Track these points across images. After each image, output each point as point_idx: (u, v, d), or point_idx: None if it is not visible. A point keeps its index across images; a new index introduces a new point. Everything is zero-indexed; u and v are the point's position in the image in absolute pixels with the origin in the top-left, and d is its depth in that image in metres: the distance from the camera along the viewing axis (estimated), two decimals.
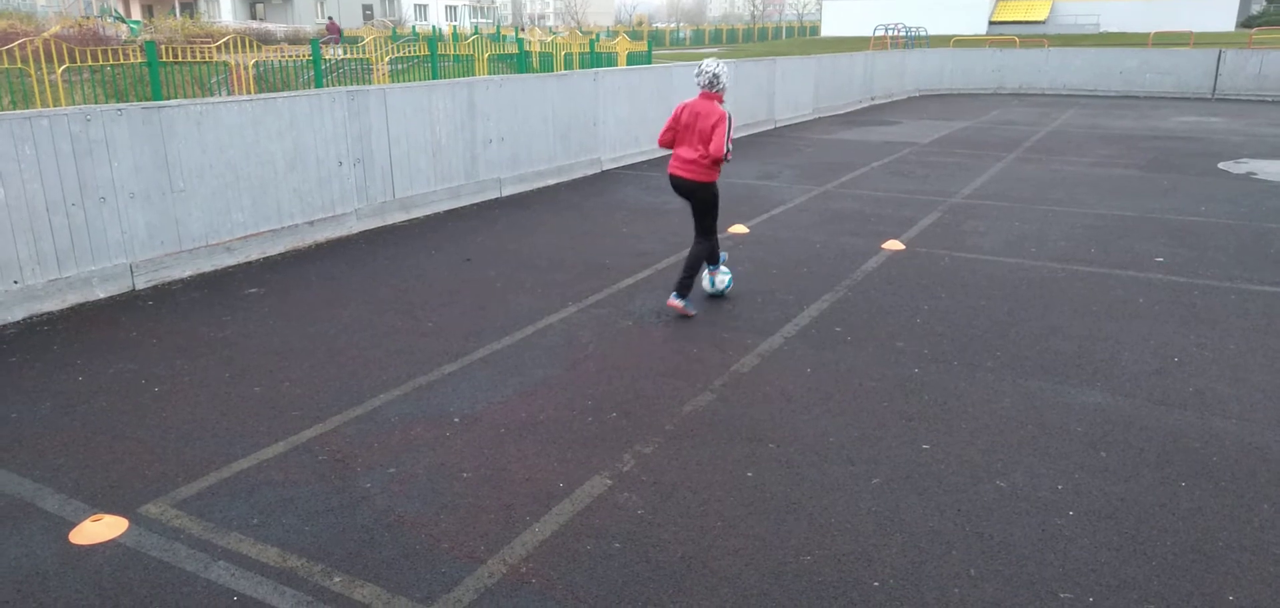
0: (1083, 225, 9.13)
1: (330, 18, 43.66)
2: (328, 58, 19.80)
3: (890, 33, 40.04)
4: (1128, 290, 6.91)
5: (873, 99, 23.54)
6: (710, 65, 6.07)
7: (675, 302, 6.24)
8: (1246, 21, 52.93)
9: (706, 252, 6.37)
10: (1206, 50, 25.37)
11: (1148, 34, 38.21)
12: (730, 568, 3.42)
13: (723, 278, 6.70)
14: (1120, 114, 20.66)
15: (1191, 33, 37.04)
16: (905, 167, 13.17)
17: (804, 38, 70.29)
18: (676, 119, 6.21)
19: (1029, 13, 55.49)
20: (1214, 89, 24.63)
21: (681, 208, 10.12)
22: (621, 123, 13.06)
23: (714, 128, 5.97)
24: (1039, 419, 4.69)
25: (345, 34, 40.02)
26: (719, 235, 8.71)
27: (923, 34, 39.59)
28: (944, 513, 3.80)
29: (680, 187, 6.27)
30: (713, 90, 6.09)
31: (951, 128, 18.18)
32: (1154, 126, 18.04)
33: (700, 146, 6.05)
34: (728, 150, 5.95)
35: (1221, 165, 13.05)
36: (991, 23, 55.08)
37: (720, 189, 6.41)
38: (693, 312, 6.30)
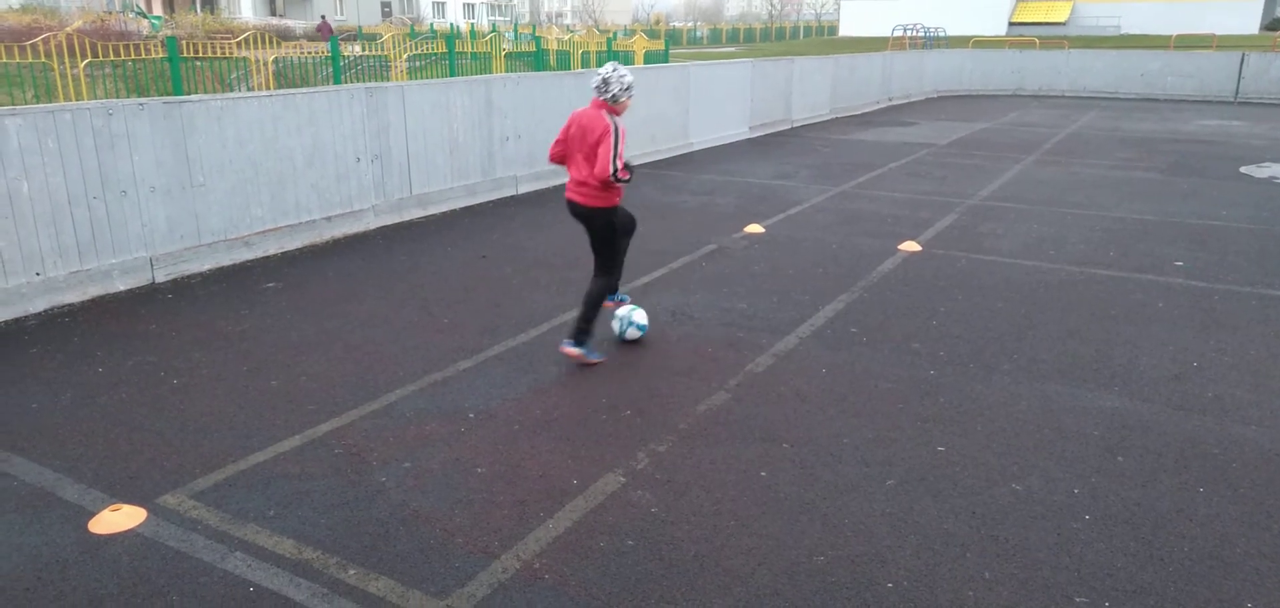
0: (1102, 228, 9.06)
1: (323, 16, 43.62)
2: (347, 55, 19.90)
3: (909, 33, 39.86)
4: (1147, 294, 6.85)
5: (891, 100, 23.44)
6: (606, 69, 5.15)
7: (570, 349, 5.32)
8: (1270, 24, 52.37)
9: (605, 288, 5.44)
10: (1229, 53, 25.12)
11: (1170, 36, 37.85)
12: (743, 567, 3.42)
13: (627, 314, 5.70)
14: (1141, 117, 20.48)
15: (1214, 35, 36.66)
16: (923, 168, 13.10)
17: (822, 38, 70.06)
18: (567, 131, 5.30)
19: (1049, 14, 55.10)
20: (1237, 92, 24.38)
21: (692, 207, 10.11)
22: (638, 122, 13.06)
23: (598, 144, 5.05)
24: (1056, 423, 4.66)
25: (364, 30, 40.20)
26: (735, 235, 8.72)
27: (942, 35, 39.39)
28: (958, 516, 3.78)
29: (575, 212, 5.37)
30: (602, 97, 5.15)
31: (970, 129, 18.08)
32: (1175, 130, 17.88)
33: (587, 166, 5.20)
34: (615, 170, 4.99)
35: (1243, 169, 12.92)
36: (1011, 24, 54.73)
37: (635, 217, 5.72)
38: (596, 359, 5.39)
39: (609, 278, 5.49)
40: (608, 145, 5.00)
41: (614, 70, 5.14)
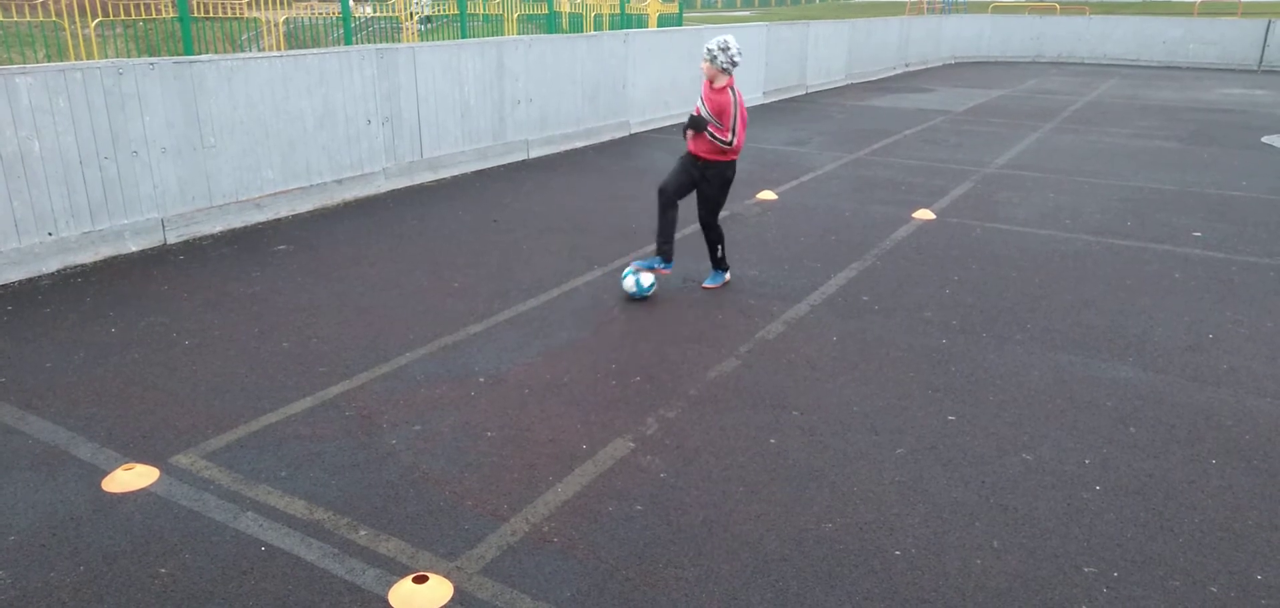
0: (1119, 198, 8.95)
1: None
2: (357, 16, 19.74)
3: None
4: (1163, 265, 6.78)
5: (907, 65, 23.17)
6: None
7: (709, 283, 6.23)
8: None
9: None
10: (1254, 20, 24.68)
11: (1193, 2, 37.17)
12: (751, 533, 3.42)
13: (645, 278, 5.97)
14: (1162, 85, 20.19)
15: (1239, 2, 35.99)
16: (938, 135, 12.97)
17: (838, 2, 69.17)
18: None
19: None
20: (1261, 60, 23.98)
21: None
22: (651, 86, 12.96)
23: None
24: (1068, 393, 4.63)
25: None
26: (747, 202, 8.68)
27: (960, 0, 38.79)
28: (968, 485, 3.77)
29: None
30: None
31: (987, 96, 17.87)
32: (1196, 98, 17.62)
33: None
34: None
35: (1265, 139, 12.72)
36: None
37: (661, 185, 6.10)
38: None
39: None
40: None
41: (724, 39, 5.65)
